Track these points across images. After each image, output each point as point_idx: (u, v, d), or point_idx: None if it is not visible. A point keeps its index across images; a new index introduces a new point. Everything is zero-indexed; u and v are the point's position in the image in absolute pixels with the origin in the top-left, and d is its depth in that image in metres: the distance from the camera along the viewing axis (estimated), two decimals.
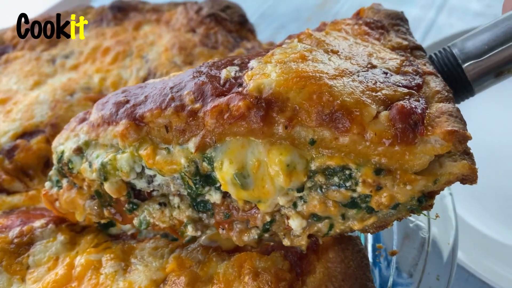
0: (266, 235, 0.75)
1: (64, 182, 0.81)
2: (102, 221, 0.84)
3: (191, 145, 0.68)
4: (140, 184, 0.74)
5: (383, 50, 0.75)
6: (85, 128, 0.76)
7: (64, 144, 0.79)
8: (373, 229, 0.72)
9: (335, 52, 0.71)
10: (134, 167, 0.71)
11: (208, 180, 0.70)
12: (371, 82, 0.66)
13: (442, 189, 0.67)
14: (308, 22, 1.59)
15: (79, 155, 0.76)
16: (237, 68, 0.72)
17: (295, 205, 0.70)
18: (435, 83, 0.69)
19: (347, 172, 0.65)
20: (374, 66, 0.70)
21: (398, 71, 0.71)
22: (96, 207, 0.78)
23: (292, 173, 0.65)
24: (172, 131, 0.69)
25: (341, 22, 0.83)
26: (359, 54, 0.72)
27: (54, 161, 0.81)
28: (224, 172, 0.66)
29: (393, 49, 0.77)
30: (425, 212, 0.68)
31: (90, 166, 0.73)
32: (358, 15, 0.84)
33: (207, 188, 0.70)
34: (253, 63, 0.71)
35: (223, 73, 0.70)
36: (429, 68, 0.73)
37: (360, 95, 0.64)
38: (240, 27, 1.26)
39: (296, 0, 1.74)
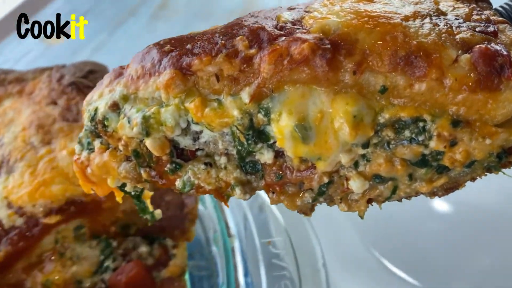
0: (321, 199, 0.68)
1: (96, 143, 0.74)
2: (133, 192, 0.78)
3: (245, 95, 0.61)
4: (185, 142, 0.67)
5: None
6: (122, 81, 0.70)
7: (98, 101, 0.72)
8: (443, 191, 0.66)
9: None
10: (179, 121, 0.65)
11: (261, 136, 0.63)
12: (446, 25, 0.60)
13: None
14: None
15: (116, 111, 0.70)
16: (292, 12, 0.65)
17: (356, 164, 0.64)
18: (510, 31, 0.63)
19: (421, 124, 0.59)
20: (443, 13, 0.64)
21: (468, 19, 0.64)
22: (132, 170, 0.71)
23: (359, 125, 0.59)
24: (223, 80, 0.62)
25: None
26: (426, 1, 0.66)
27: (85, 120, 0.74)
28: (283, 125, 0.60)
29: (457, 0, 0.71)
30: None
31: (129, 121, 0.67)
32: None
33: (259, 145, 0.64)
34: (312, 7, 0.65)
35: (279, 18, 0.64)
36: (499, 18, 0.67)
37: (438, 37, 0.58)
38: None
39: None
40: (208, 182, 0.68)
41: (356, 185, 0.64)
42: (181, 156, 0.69)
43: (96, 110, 0.72)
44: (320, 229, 0.91)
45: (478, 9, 0.68)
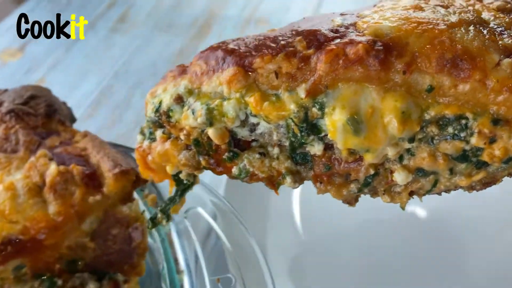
0: (366, 190, 0.74)
1: (158, 133, 0.81)
2: (186, 180, 0.85)
3: (301, 91, 0.68)
4: (242, 133, 0.74)
5: (488, 9, 0.74)
6: (186, 77, 0.77)
7: (162, 94, 0.79)
8: (481, 185, 0.71)
9: (445, 7, 0.71)
10: (239, 113, 0.71)
11: (314, 128, 0.69)
12: (489, 32, 0.66)
13: None
14: None
15: (180, 104, 0.77)
16: (345, 17, 0.72)
17: (401, 158, 0.69)
18: None
19: (463, 121, 0.64)
20: (486, 21, 0.70)
21: (509, 27, 0.70)
22: (192, 157, 0.78)
23: (407, 121, 0.65)
24: (281, 77, 0.69)
25: None
26: (469, 11, 0.71)
27: (149, 112, 0.81)
28: (336, 118, 0.66)
29: (497, 10, 0.76)
30: None
31: (194, 112, 0.74)
32: None
33: (311, 138, 0.70)
34: (363, 13, 0.72)
35: (334, 22, 0.70)
36: None
37: (481, 43, 0.63)
38: (47, 119, 1.01)
39: (151, 54, 1.61)
40: (262, 170, 0.75)
41: (400, 177, 0.69)
42: (237, 146, 0.76)
43: (160, 102, 0.79)
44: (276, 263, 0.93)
45: None
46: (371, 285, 0.96)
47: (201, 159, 0.78)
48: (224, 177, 0.91)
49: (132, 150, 0.92)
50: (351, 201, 0.76)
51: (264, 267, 0.76)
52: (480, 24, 0.67)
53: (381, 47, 0.64)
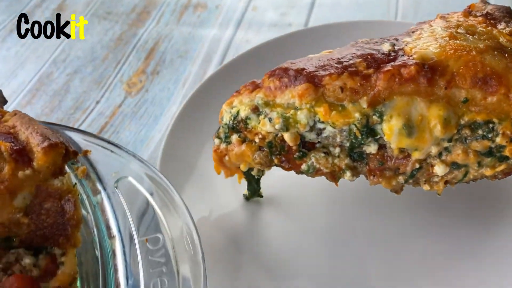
0: (411, 180, 0.92)
1: (234, 137, 0.98)
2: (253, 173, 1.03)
3: (363, 102, 0.85)
4: (310, 136, 0.91)
5: (503, 35, 0.93)
6: (261, 91, 0.93)
7: (238, 106, 0.96)
8: (502, 175, 0.90)
9: (472, 34, 0.90)
10: (309, 121, 0.88)
11: (371, 132, 0.87)
12: (509, 56, 0.85)
13: None
14: (104, 61, 1.49)
15: (255, 113, 0.93)
16: (393, 43, 0.90)
17: (440, 155, 0.88)
18: None
19: (490, 125, 0.83)
20: (504, 46, 0.89)
21: None
22: (265, 157, 0.95)
23: (447, 125, 0.83)
24: (346, 91, 0.86)
25: (456, 14, 1.01)
26: (491, 37, 0.90)
27: (226, 119, 0.98)
28: (393, 124, 0.84)
29: (510, 35, 0.95)
30: None
31: (271, 120, 0.90)
32: (469, 8, 1.03)
33: (369, 139, 0.88)
34: (406, 39, 0.90)
35: (385, 47, 0.88)
36: None
37: (504, 64, 0.82)
38: None
39: (90, 41, 1.57)
40: (326, 166, 0.92)
41: (440, 170, 0.88)
42: (304, 147, 0.93)
43: (238, 112, 0.95)
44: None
45: None
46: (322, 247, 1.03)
47: (273, 158, 0.95)
48: (159, 152, 1.08)
49: (66, 127, 0.96)
50: (398, 190, 0.94)
51: (192, 227, 0.79)
52: (501, 49, 0.86)
53: (428, 69, 0.82)
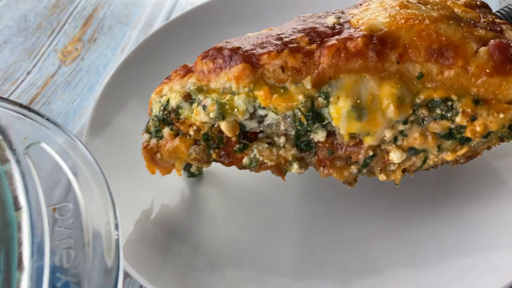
0: (365, 170, 0.82)
1: (165, 131, 0.85)
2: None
3: (307, 82, 0.74)
4: (251, 125, 0.79)
5: (458, 6, 0.85)
6: (194, 76, 0.82)
7: (168, 93, 0.84)
8: (464, 159, 0.81)
9: (424, 3, 0.80)
10: (248, 106, 0.77)
11: (318, 117, 0.76)
12: (465, 25, 0.76)
13: None
14: (37, 30, 1.43)
15: (188, 101, 0.81)
16: (338, 16, 0.79)
17: (395, 139, 0.78)
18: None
19: (449, 103, 0.74)
20: (460, 16, 0.80)
21: (478, 20, 0.80)
22: (202, 151, 0.83)
23: (402, 105, 0.73)
24: (287, 71, 0.75)
25: None
26: (445, 7, 0.81)
27: (156, 111, 0.85)
28: (340, 106, 0.73)
29: (465, 6, 0.87)
30: None
31: (205, 108, 0.79)
32: None
33: (316, 125, 0.77)
34: (353, 12, 0.80)
35: (330, 20, 0.78)
36: (501, 20, 0.83)
37: (461, 34, 0.73)
38: None
39: (23, 9, 1.52)
40: (271, 159, 0.81)
41: (396, 156, 0.78)
42: (245, 137, 0.82)
43: (168, 100, 0.83)
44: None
45: (482, 13, 0.84)
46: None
47: (211, 152, 0.83)
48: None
49: None
50: (351, 181, 0.83)
51: (107, 197, 0.71)
52: (457, 18, 0.77)
53: (377, 41, 0.72)
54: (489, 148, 0.80)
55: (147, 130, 0.87)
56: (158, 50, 1.16)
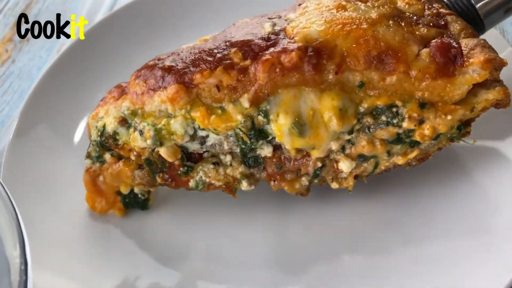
0: (316, 181, 0.79)
1: (107, 156, 0.81)
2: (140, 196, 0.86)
3: (245, 101, 0.70)
4: (193, 147, 0.76)
5: None
6: (127, 98, 0.77)
7: (104, 117, 0.79)
8: (416, 161, 0.78)
9: (365, 1, 0.75)
10: (187, 129, 0.73)
11: (261, 134, 0.73)
12: (406, 24, 0.71)
13: (478, 116, 0.73)
14: None
15: (125, 126, 0.77)
16: (274, 22, 0.74)
17: (343, 148, 0.75)
18: (457, 22, 0.75)
19: (394, 109, 0.71)
20: (402, 11, 0.75)
21: (422, 14, 0.76)
22: (146, 176, 0.79)
23: (344, 116, 0.70)
24: (223, 90, 0.71)
25: None
26: (386, 2, 0.76)
27: (93, 136, 0.81)
28: (281, 124, 0.70)
29: None
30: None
31: (141, 134, 0.74)
32: None
33: (260, 142, 0.74)
34: (290, 16, 0.75)
35: (264, 29, 0.73)
36: (447, 10, 0.79)
37: (401, 36, 0.69)
38: None
39: None
40: (218, 179, 0.78)
41: (345, 166, 0.75)
42: (189, 159, 0.78)
43: (104, 126, 0.79)
44: None
45: (427, 3, 0.79)
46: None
47: (156, 176, 0.79)
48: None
49: None
50: (304, 192, 0.81)
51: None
52: (398, 16, 0.73)
53: (312, 53, 0.67)
54: (439, 149, 0.77)
55: (88, 156, 0.83)
56: (93, 49, 1.05)
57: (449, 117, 0.71)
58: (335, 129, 0.70)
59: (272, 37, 0.72)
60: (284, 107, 0.70)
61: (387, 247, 0.78)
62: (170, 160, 0.75)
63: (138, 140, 0.75)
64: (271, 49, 0.69)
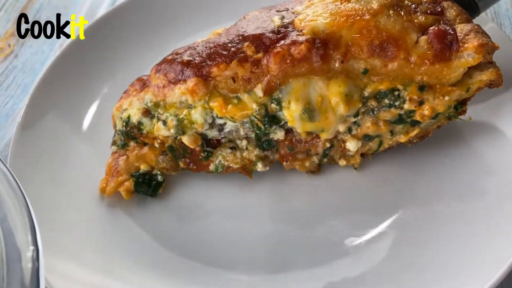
0: (325, 159, 0.87)
1: (132, 144, 0.88)
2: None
3: (258, 91, 0.77)
4: (212, 133, 0.83)
5: None
6: (150, 91, 0.83)
7: (129, 109, 0.86)
8: (417, 139, 0.85)
9: None
10: (206, 118, 0.80)
11: (274, 119, 0.80)
12: (405, 13, 0.77)
13: (473, 95, 0.80)
14: None
15: (148, 116, 0.84)
16: (282, 15, 0.80)
17: (350, 130, 0.82)
18: (453, 8, 0.80)
19: (396, 93, 0.77)
20: (401, 0, 0.81)
21: (420, 2, 0.81)
22: (170, 161, 0.87)
23: (350, 101, 0.76)
24: (238, 81, 0.77)
25: None
26: None
27: (118, 126, 0.88)
28: (293, 110, 0.76)
29: None
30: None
31: (165, 124, 0.81)
32: None
33: (273, 127, 0.80)
34: (297, 9, 0.80)
35: (274, 23, 0.79)
36: None
37: (401, 25, 0.75)
38: None
39: None
40: (236, 162, 0.85)
41: (352, 145, 0.82)
42: (209, 145, 0.85)
43: (129, 117, 0.85)
44: None
45: None
46: None
47: (179, 161, 0.87)
48: None
49: None
50: (315, 169, 0.88)
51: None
52: (397, 5, 0.78)
53: (320, 44, 0.73)
54: (438, 127, 0.84)
55: (114, 143, 0.90)
56: (98, 42, 1.07)
57: (446, 98, 0.77)
58: (342, 113, 0.77)
59: (282, 30, 0.77)
60: (295, 95, 0.76)
61: (393, 206, 0.82)
62: (191, 146, 0.82)
63: (161, 130, 0.82)
64: (282, 42, 0.75)
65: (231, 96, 0.79)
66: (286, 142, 0.83)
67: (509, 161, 0.81)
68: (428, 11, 0.78)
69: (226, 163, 0.85)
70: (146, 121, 0.84)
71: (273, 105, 0.78)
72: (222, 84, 0.78)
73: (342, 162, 0.87)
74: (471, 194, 0.81)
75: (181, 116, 0.80)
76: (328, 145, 0.83)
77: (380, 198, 0.84)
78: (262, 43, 0.76)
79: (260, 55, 0.76)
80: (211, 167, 0.86)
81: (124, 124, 0.86)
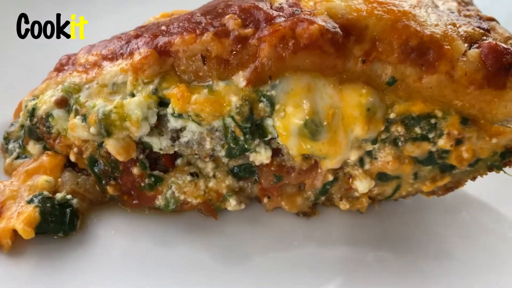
0: (323, 198, 0.61)
1: (31, 146, 0.60)
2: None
3: (240, 79, 0.52)
4: (161, 143, 0.55)
5: None
6: (72, 69, 0.57)
7: (40, 96, 0.58)
8: (443, 190, 0.62)
9: None
10: (147, 114, 0.53)
11: (259, 130, 0.54)
12: (447, 17, 0.57)
13: None
14: None
15: (64, 108, 0.56)
16: None
17: (362, 162, 0.57)
18: (501, 29, 0.62)
19: (432, 121, 0.55)
20: (436, 5, 0.62)
21: (459, 13, 0.63)
22: (92, 184, 0.58)
23: (372, 120, 0.53)
24: (211, 63, 0.52)
25: None
26: None
27: (22, 118, 0.60)
28: (289, 119, 0.52)
29: None
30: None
31: (84, 119, 0.54)
32: None
33: (256, 141, 0.55)
34: None
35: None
36: (484, 14, 0.66)
37: (446, 28, 0.54)
38: None
39: None
40: (196, 196, 0.57)
41: (362, 185, 0.58)
42: (156, 167, 0.58)
43: (34, 106, 0.57)
44: None
45: (462, 3, 0.67)
46: None
47: (105, 186, 0.58)
48: None
49: None
50: (308, 211, 0.62)
51: None
52: (436, 7, 0.59)
53: (338, 30, 0.51)
54: (474, 178, 0.61)
55: (6, 138, 0.61)
56: None
57: (494, 140, 0.56)
58: (358, 134, 0.53)
59: (285, 6, 0.55)
60: (294, 99, 0.52)
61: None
62: (119, 158, 0.54)
63: (78, 128, 0.54)
64: (281, 19, 0.53)
65: (198, 85, 0.53)
66: (272, 168, 0.57)
67: None
68: (473, 24, 0.59)
69: (182, 197, 0.57)
70: (59, 114, 0.56)
71: (262, 105, 0.53)
72: (185, 65, 0.53)
73: (345, 205, 0.62)
74: None
75: (107, 108, 0.53)
76: (330, 178, 0.58)
77: None
78: (253, 16, 0.53)
79: (248, 31, 0.52)
80: (159, 201, 0.57)
81: (28, 116, 0.58)
